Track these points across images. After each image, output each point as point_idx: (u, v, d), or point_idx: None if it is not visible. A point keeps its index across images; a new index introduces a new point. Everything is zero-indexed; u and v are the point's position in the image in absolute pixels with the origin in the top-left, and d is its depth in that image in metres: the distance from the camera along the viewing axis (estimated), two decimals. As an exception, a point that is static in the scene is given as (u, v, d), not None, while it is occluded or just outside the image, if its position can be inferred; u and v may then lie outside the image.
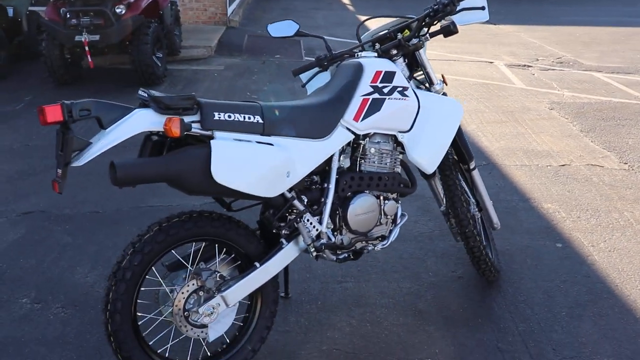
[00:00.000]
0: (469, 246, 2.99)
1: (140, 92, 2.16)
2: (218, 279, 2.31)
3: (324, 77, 2.87)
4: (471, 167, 3.07)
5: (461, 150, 3.00)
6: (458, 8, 2.65)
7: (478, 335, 2.79)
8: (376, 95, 2.53)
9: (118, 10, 6.15)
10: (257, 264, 2.36)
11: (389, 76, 2.57)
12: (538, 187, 4.49)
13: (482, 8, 2.68)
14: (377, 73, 2.56)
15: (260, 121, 2.27)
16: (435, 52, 9.36)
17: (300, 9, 13.50)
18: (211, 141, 2.12)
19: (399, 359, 2.63)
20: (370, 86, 2.53)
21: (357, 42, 2.89)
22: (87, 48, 6.07)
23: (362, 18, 12.28)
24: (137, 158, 2.10)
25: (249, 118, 2.25)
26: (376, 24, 3.11)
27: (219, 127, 2.17)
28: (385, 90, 2.55)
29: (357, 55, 2.72)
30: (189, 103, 2.13)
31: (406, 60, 2.77)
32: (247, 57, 8.26)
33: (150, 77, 6.52)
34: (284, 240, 2.43)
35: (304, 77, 2.91)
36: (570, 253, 3.56)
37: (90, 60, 6.23)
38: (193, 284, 2.27)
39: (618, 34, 12.11)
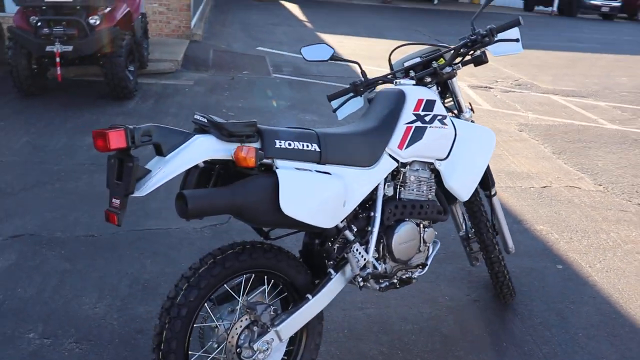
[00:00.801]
0: (493, 271, 2.99)
1: (197, 117, 2.05)
2: (272, 312, 2.20)
3: (357, 103, 2.83)
4: (492, 193, 3.09)
5: (486, 176, 3.01)
6: (495, 39, 2.66)
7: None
8: (419, 124, 2.51)
9: (92, 21, 5.90)
10: (310, 296, 2.27)
11: (430, 104, 2.56)
12: (527, 208, 4.57)
13: (517, 40, 2.70)
14: (419, 101, 2.54)
15: (318, 149, 2.20)
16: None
17: (259, 24, 13.41)
18: (278, 172, 2.03)
19: (436, 387, 2.59)
20: (413, 114, 2.51)
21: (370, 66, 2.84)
22: (58, 59, 5.78)
23: (323, 35, 12.47)
24: (203, 189, 1.97)
25: (307, 146, 2.18)
26: (397, 50, 3.09)
27: (279, 156, 2.08)
28: (427, 118, 2.54)
29: (395, 82, 2.69)
30: (251, 130, 2.04)
31: (439, 88, 2.77)
32: (215, 72, 8.10)
33: (122, 91, 6.28)
34: (332, 271, 2.36)
35: (335, 103, 2.86)
36: (571, 274, 3.62)
37: (59, 72, 5.93)
38: (246, 319, 2.16)
39: (565, 58, 12.63)
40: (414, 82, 2.68)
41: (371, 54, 10.86)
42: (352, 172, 2.30)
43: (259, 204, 2.02)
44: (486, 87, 8.97)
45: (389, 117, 2.49)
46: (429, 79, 2.72)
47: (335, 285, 2.37)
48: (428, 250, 2.69)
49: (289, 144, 2.14)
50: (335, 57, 2.77)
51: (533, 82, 9.60)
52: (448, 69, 2.72)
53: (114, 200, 1.88)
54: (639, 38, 18.21)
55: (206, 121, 2.02)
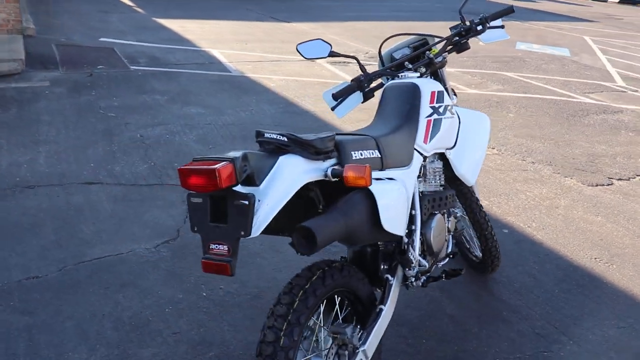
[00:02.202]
0: (487, 246, 3.11)
1: (271, 135, 1.85)
2: (358, 333, 2.08)
3: (356, 99, 2.74)
4: None
5: None
6: (487, 27, 2.74)
7: (516, 328, 2.93)
8: (435, 116, 2.52)
9: None
10: (383, 307, 2.18)
11: (441, 96, 2.58)
12: (448, 178, 4.81)
13: (502, 27, 2.80)
14: (433, 93, 2.55)
15: (379, 155, 2.12)
16: (255, 53, 9.34)
17: (88, 12, 12.31)
18: (373, 189, 1.92)
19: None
20: (430, 107, 2.51)
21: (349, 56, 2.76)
22: None
23: (161, 21, 11.81)
24: (317, 217, 1.78)
25: (372, 153, 2.09)
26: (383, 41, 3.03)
27: None
28: (441, 109, 2.56)
29: (400, 76, 2.65)
30: (332, 144, 1.90)
31: (431, 77, 2.79)
32: (67, 69, 7.32)
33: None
34: (389, 276, 2.29)
35: (330, 100, 2.73)
36: (518, 237, 3.90)
37: None
38: (335, 344, 2.02)
39: (396, 27, 13.35)
40: (418, 74, 2.67)
41: (221, 37, 10.55)
42: (402, 174, 2.25)
43: (364, 224, 1.90)
44: (344, 62, 9.19)
45: (411, 112, 2.46)
46: (423, 69, 2.72)
47: (395, 290, 2.31)
48: (450, 239, 2.73)
49: (361, 154, 2.03)
50: (333, 53, 2.66)
51: (383, 54, 10.02)
52: (440, 58, 2.74)
53: (217, 247, 1.64)
54: (447, 5, 19.83)
55: (286, 139, 1.82)
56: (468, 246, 3.35)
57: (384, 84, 2.75)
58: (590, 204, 4.48)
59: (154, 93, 6.65)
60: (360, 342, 2.07)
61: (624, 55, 11.68)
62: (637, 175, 5.18)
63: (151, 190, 4.17)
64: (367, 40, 11.20)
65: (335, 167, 1.90)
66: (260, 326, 2.77)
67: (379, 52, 2.85)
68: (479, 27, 2.72)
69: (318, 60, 9.09)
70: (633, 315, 3.11)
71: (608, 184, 4.92)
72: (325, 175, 1.89)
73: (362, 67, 2.70)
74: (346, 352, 2.04)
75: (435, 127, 2.51)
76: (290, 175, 1.77)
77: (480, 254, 3.25)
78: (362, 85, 2.64)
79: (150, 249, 3.40)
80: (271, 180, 1.73)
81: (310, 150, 1.84)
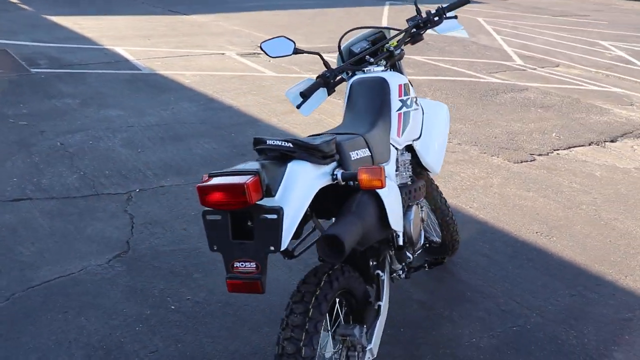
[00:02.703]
0: (449, 232, 3.20)
1: (275, 142, 1.80)
2: (365, 333, 2.08)
3: (322, 96, 2.72)
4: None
5: None
6: (444, 18, 2.80)
7: (482, 306, 3.06)
8: (405, 109, 2.56)
9: None
10: (381, 303, 2.20)
11: (407, 88, 2.63)
12: (384, 166, 4.90)
13: (455, 17, 2.87)
14: (400, 86, 2.58)
15: (369, 153, 2.12)
16: (161, 48, 9.03)
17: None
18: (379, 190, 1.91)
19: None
20: (399, 100, 2.55)
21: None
22: None
23: (53, 18, 11.08)
24: (337, 224, 1.75)
25: (365, 152, 2.10)
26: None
27: (355, 168, 1.95)
28: (408, 102, 2.60)
29: (366, 70, 2.66)
30: (334, 147, 1.88)
31: (391, 70, 2.82)
32: (-43, 77, 6.76)
33: None
34: (380, 272, 2.31)
35: (295, 99, 2.70)
36: (463, 218, 4.05)
37: None
38: (345, 347, 2.01)
39: (302, 15, 13.36)
40: (382, 68, 2.69)
41: (122, 33, 10.11)
42: (388, 169, 2.27)
43: (375, 224, 1.90)
44: (254, 53, 9.09)
45: (383, 107, 2.49)
46: (383, 62, 2.75)
47: (387, 285, 2.34)
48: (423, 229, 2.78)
49: (357, 154, 2.03)
50: (298, 50, 2.63)
51: (292, 44, 10.00)
52: (398, 50, 2.78)
53: (243, 264, 1.58)
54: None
55: (292, 145, 1.78)
56: (427, 234, 3.43)
57: (344, 79, 2.75)
58: (520, 181, 4.72)
59: (63, 97, 6.28)
60: (368, 341, 2.08)
61: (516, 35, 12.33)
62: (554, 150, 5.52)
63: (87, 202, 3.95)
64: (272, 32, 11.12)
65: (343, 170, 1.89)
66: (238, 334, 2.72)
67: (339, 47, 2.85)
68: (436, 18, 2.78)
69: (228, 54, 8.95)
70: (580, 283, 3.33)
71: (531, 160, 5.21)
72: (334, 179, 1.87)
73: (326, 62, 2.68)
74: (356, 353, 2.04)
75: (405, 120, 2.55)
76: (304, 183, 1.74)
77: (439, 240, 3.35)
78: (328, 81, 2.63)
79: (103, 265, 3.23)
80: (285, 189, 1.69)
81: (317, 154, 1.81)
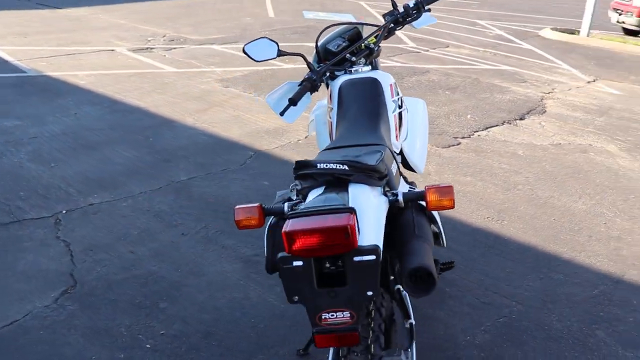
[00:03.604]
0: None
1: (325, 166, 1.58)
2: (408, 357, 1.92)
3: (306, 100, 2.49)
4: None
5: None
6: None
7: (465, 301, 3.02)
8: (398, 110, 2.43)
9: None
10: (413, 321, 2.05)
11: (396, 88, 2.49)
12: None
13: (429, 10, 2.75)
14: (391, 86, 2.45)
15: (397, 166, 1.97)
16: (42, 47, 8.24)
17: None
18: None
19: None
20: (393, 101, 2.41)
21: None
22: None
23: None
24: (415, 254, 1.55)
25: (395, 166, 1.94)
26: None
27: (395, 185, 1.79)
28: (399, 102, 2.47)
29: (352, 70, 2.48)
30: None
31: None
32: None
33: None
34: (400, 287, 2.16)
35: (277, 106, 2.46)
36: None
37: None
38: None
39: (178, 7, 12.78)
40: (370, 67, 2.53)
41: (13, 29, 9.11)
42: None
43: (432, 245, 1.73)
44: (147, 48, 8.55)
45: (381, 110, 2.34)
46: (363, 60, 2.59)
47: (409, 300, 2.20)
48: None
49: (393, 169, 1.86)
50: (281, 52, 2.40)
51: (182, 35, 9.53)
52: (377, 47, 2.63)
53: (333, 315, 1.36)
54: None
55: (348, 168, 1.58)
56: None
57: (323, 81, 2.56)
58: (454, 166, 4.76)
59: (-58, 108, 5.51)
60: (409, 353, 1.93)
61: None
62: (474, 132, 5.64)
63: (8, 231, 3.46)
64: (159, 23, 10.54)
65: (389, 188, 1.71)
66: (233, 367, 2.47)
67: (316, 45, 2.64)
68: (415, 13, 2.65)
69: (118, 50, 8.34)
70: (543, 265, 3.38)
71: (457, 144, 5.28)
72: (393, 202, 1.69)
73: (309, 64, 2.48)
74: None
75: (399, 121, 2.41)
76: (374, 211, 1.54)
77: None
78: (315, 84, 2.42)
79: (50, 305, 2.82)
80: (364, 223, 1.48)
81: (374, 176, 1.63)
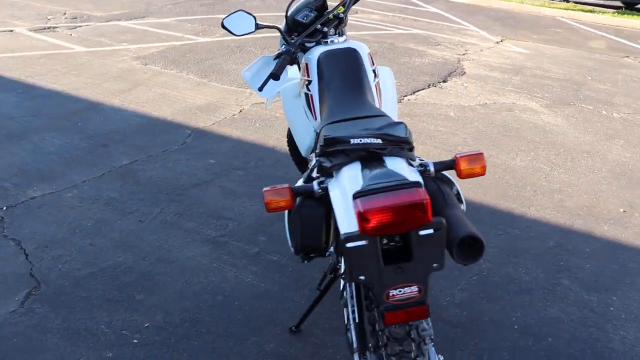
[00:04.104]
0: None
1: (358, 141, 1.55)
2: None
3: (284, 76, 2.42)
4: None
5: None
6: None
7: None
8: (377, 79, 2.41)
9: None
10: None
11: (371, 57, 2.46)
12: (256, 135, 4.67)
13: None
14: (369, 55, 2.43)
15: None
16: None
17: None
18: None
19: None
20: (372, 70, 2.39)
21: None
22: None
23: None
24: (458, 223, 1.53)
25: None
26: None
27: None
28: (376, 71, 2.45)
29: (328, 41, 2.43)
30: None
31: None
32: None
33: None
34: None
35: (254, 80, 2.38)
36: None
37: None
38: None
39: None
40: (344, 37, 2.49)
41: None
42: None
43: None
44: (49, 27, 7.97)
45: (365, 81, 2.32)
46: (332, 30, 2.54)
47: None
48: None
49: None
50: (258, 26, 2.32)
51: (84, 13, 8.96)
52: (345, 17, 2.59)
53: (401, 291, 1.35)
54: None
55: (381, 141, 1.55)
56: None
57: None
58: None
59: None
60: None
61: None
62: (404, 97, 5.74)
63: (-54, 234, 3.16)
64: (55, 1, 9.84)
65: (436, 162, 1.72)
66: (230, 352, 2.41)
67: (286, 17, 2.56)
68: None
69: (18, 30, 7.73)
70: (499, 222, 3.53)
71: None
72: (425, 172, 1.68)
73: (285, 37, 2.40)
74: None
75: (379, 90, 2.40)
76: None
77: None
78: (294, 57, 2.36)
79: (17, 310, 2.62)
80: None
81: (405, 148, 1.61)
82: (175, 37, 7.56)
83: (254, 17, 2.36)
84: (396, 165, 1.62)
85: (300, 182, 1.83)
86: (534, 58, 7.57)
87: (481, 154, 1.70)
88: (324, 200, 1.71)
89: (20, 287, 2.75)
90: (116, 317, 2.58)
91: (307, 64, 2.41)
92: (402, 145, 1.65)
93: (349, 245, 1.38)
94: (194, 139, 4.53)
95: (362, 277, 1.42)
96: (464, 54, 7.54)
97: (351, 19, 9.20)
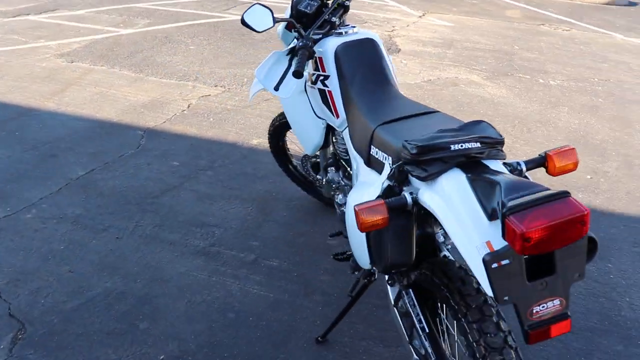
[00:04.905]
0: None
1: (459, 147, 1.39)
2: None
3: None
4: None
5: None
6: None
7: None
8: (393, 67, 2.24)
9: None
10: None
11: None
12: (211, 131, 4.38)
13: None
14: (383, 44, 2.25)
15: None
16: None
17: None
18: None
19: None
20: (388, 59, 2.22)
21: None
22: None
23: None
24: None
25: None
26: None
27: None
28: (390, 59, 2.28)
29: (341, 32, 2.23)
30: None
31: None
32: None
33: None
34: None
35: (265, 78, 2.14)
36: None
37: None
38: None
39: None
40: (356, 27, 2.29)
41: None
42: None
43: None
44: (-50, 26, 7.15)
45: (388, 71, 2.14)
46: (338, 20, 2.34)
47: None
48: None
49: None
50: (275, 20, 2.08)
51: (-13, 8, 8.12)
52: (348, 3, 2.39)
53: (544, 306, 1.23)
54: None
55: (480, 145, 1.40)
56: None
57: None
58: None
59: None
60: None
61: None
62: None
63: None
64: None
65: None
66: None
67: (292, 7, 2.32)
68: None
69: None
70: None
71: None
72: (515, 172, 1.54)
73: (299, 30, 2.17)
74: None
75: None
76: None
77: None
78: (312, 51, 2.13)
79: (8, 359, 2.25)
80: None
81: (499, 149, 1.46)
82: (95, 30, 6.99)
83: (271, 11, 2.11)
84: (498, 169, 1.47)
85: (356, 194, 1.65)
86: (460, 31, 7.61)
87: (573, 148, 1.57)
88: (411, 212, 1.55)
89: (1, 333, 2.37)
90: (124, 353, 2.27)
91: (320, 58, 2.19)
92: (498, 148, 1.50)
93: (494, 266, 1.23)
94: (148, 140, 4.16)
95: (506, 298, 1.26)
96: (392, 31, 7.46)
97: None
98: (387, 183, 1.62)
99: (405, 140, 1.52)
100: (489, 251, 1.27)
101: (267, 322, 2.47)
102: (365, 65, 2.12)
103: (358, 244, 1.74)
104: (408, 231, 1.57)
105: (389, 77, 2.13)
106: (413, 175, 1.52)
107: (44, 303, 2.53)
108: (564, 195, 1.23)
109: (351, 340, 2.38)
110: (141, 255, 2.87)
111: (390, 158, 1.68)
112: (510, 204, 1.21)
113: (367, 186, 1.77)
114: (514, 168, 1.58)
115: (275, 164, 3.44)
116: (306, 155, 3.17)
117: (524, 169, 1.59)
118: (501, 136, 1.53)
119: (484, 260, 1.25)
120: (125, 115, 4.56)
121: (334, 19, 2.26)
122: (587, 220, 1.21)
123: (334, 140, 2.44)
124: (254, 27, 2.11)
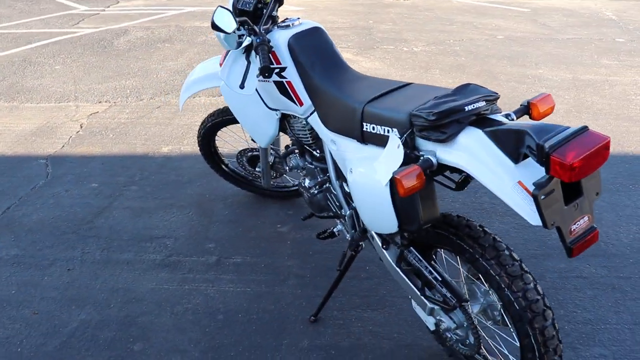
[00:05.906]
0: None
1: (472, 106, 1.58)
2: None
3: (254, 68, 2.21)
4: None
5: None
6: None
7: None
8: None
9: None
10: None
11: None
12: (158, 131, 4.22)
13: None
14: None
15: None
16: None
17: None
18: None
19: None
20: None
21: None
22: None
23: None
24: None
25: None
26: None
27: None
28: None
29: (287, 24, 2.28)
30: None
31: None
32: None
33: None
34: None
35: (228, 78, 2.14)
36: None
37: None
38: None
39: None
40: (299, 18, 2.34)
41: None
42: None
43: None
44: None
45: (341, 55, 2.25)
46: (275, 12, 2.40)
47: None
48: None
49: None
50: (237, 21, 2.09)
51: None
52: None
53: (577, 224, 1.49)
54: None
55: (485, 103, 1.63)
56: None
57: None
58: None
59: None
60: None
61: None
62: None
63: None
64: None
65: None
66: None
67: (234, 6, 2.33)
68: None
69: None
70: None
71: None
72: (511, 120, 1.73)
73: (253, 28, 2.19)
74: None
75: None
76: None
77: None
78: (270, 45, 2.16)
79: None
80: None
81: (496, 103, 1.66)
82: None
83: (231, 12, 2.11)
84: (504, 120, 1.65)
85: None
86: (313, 13, 7.84)
87: (549, 95, 1.80)
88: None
89: (-11, 390, 2.18)
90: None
91: (273, 52, 2.23)
92: (495, 103, 1.69)
93: (545, 197, 1.40)
94: (54, 167, 3.90)
95: (553, 222, 1.45)
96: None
97: (117, 9, 8.55)
98: (397, 152, 1.72)
99: (416, 110, 1.65)
100: (522, 189, 1.45)
101: (257, 314, 2.50)
102: (320, 52, 2.20)
103: (379, 211, 1.79)
104: (433, 190, 1.71)
105: (343, 61, 2.23)
106: (431, 139, 1.64)
107: (22, 351, 2.35)
108: (586, 129, 1.44)
109: (341, 312, 2.49)
110: (103, 281, 2.74)
111: (395, 130, 1.76)
112: (548, 143, 1.38)
113: (375, 159, 1.80)
114: (510, 118, 1.77)
115: (196, 167, 3.44)
116: (241, 151, 3.18)
117: (515, 117, 1.79)
118: (496, 93, 1.72)
119: (533, 196, 1.42)
120: (18, 146, 4.22)
121: (274, 12, 2.31)
122: (609, 146, 1.43)
123: (291, 128, 2.49)
124: (224, 29, 2.10)
